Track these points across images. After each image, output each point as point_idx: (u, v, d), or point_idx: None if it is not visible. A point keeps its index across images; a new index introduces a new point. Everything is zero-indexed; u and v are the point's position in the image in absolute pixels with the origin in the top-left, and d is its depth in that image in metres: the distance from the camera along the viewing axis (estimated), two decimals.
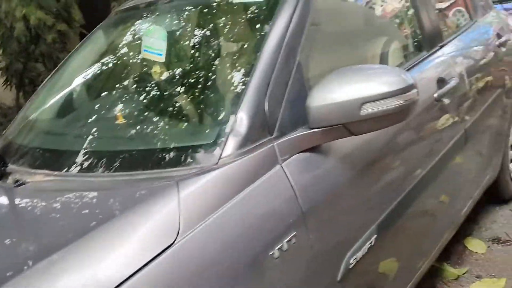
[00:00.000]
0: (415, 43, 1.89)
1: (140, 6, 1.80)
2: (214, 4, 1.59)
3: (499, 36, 2.43)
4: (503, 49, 2.42)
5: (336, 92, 1.15)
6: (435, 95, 1.70)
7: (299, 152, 1.18)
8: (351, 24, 1.84)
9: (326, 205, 1.18)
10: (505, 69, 2.43)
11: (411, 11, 1.89)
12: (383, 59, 1.84)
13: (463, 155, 1.97)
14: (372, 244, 1.29)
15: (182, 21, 1.62)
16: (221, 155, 1.08)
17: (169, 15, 1.68)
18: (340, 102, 1.14)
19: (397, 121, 1.18)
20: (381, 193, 1.40)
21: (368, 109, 1.13)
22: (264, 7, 1.51)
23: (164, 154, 1.14)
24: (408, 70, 1.71)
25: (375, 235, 1.30)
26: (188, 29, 1.58)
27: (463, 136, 1.89)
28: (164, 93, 1.43)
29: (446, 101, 1.76)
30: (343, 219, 1.23)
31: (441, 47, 1.94)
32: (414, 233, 1.68)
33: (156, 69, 1.64)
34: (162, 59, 1.58)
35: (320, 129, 1.17)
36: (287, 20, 1.31)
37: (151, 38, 1.65)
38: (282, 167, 1.13)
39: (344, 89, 1.15)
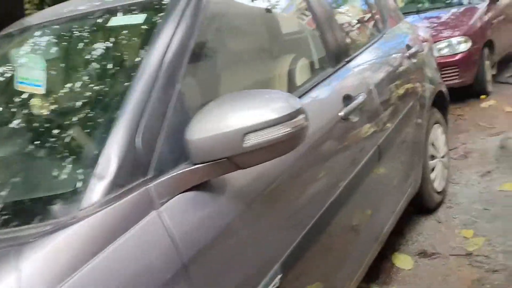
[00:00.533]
0: (321, 60, 1.82)
1: (15, 32, 1.60)
2: (87, 28, 1.43)
3: (408, 47, 2.44)
4: (414, 60, 2.43)
5: (217, 123, 1.02)
6: (341, 113, 1.62)
7: (182, 192, 1.03)
8: (251, 42, 1.74)
9: (216, 250, 1.04)
10: (416, 80, 2.43)
11: (315, 27, 1.82)
12: (291, 78, 1.76)
13: (379, 172, 1.91)
14: (277, 285, 1.16)
15: (53, 48, 1.43)
16: (82, 205, 0.91)
17: (44, 41, 1.49)
18: (221, 133, 1.01)
19: (287, 150, 1.07)
20: (284, 226, 1.28)
21: (252, 140, 1.00)
22: (141, 29, 1.36)
23: (9, 209, 0.95)
24: (313, 88, 1.63)
25: (280, 275, 1.17)
26: (55, 57, 1.40)
27: (376, 152, 1.83)
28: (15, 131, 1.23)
29: (354, 118, 1.69)
30: (238, 263, 1.09)
31: (348, 62, 1.88)
32: (335, 256, 1.59)
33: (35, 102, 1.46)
34: (42, 90, 1.39)
35: (204, 164, 1.03)
36: (165, 43, 1.17)
37: (27, 68, 1.46)
38: (159, 212, 0.97)
39: (225, 119, 1.02)
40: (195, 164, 1.04)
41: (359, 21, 2.30)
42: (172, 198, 1.01)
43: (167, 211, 0.98)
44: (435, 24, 5.12)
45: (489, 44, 4.98)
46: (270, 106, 1.03)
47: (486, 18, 5.00)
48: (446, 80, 4.69)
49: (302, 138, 1.07)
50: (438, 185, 2.72)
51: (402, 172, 2.22)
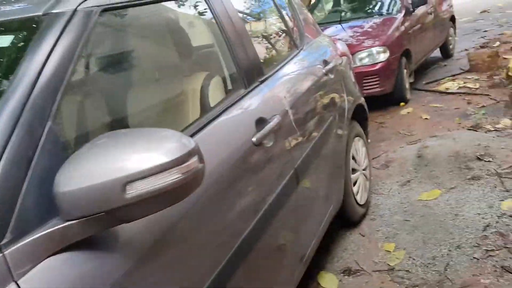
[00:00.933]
0: (233, 79, 1.70)
1: None
2: None
3: (326, 63, 2.40)
4: (331, 76, 2.39)
5: (92, 170, 0.86)
6: (254, 139, 1.52)
7: (52, 255, 0.86)
8: (154, 61, 1.59)
9: None
10: (334, 96, 2.40)
11: (224, 44, 1.69)
12: (203, 100, 1.63)
13: (298, 194, 1.83)
14: None
15: None
16: None
17: None
18: (98, 183, 0.85)
19: (180, 198, 0.93)
20: (191, 270, 1.14)
21: (136, 190, 0.86)
22: (5, 55, 1.16)
23: None
24: (223, 111, 1.51)
25: None
26: None
27: (294, 176, 1.75)
28: None
29: (268, 143, 1.59)
30: None
31: (262, 81, 1.78)
32: (259, 283, 1.50)
33: None
34: None
35: (78, 220, 0.87)
36: (35, 70, 0.99)
37: None
38: (18, 284, 0.80)
39: (102, 165, 0.86)
40: (68, 221, 0.87)
41: (274, 37, 2.22)
42: (37, 264, 0.83)
43: (27, 283, 0.80)
44: (357, 34, 5.25)
45: (406, 54, 5.19)
46: (158, 149, 0.89)
47: (403, 28, 5.19)
48: (368, 89, 4.83)
49: (197, 183, 0.94)
50: (360, 198, 2.72)
51: (324, 190, 2.17)
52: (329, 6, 6.62)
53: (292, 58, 2.15)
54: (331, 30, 5.57)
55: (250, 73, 1.73)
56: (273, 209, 1.60)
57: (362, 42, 4.99)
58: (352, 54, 4.86)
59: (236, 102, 1.59)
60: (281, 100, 1.81)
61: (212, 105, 1.61)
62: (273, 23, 2.29)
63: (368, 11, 5.87)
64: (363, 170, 2.83)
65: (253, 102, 1.66)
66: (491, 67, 5.63)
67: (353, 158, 2.67)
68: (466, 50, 7.17)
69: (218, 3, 1.72)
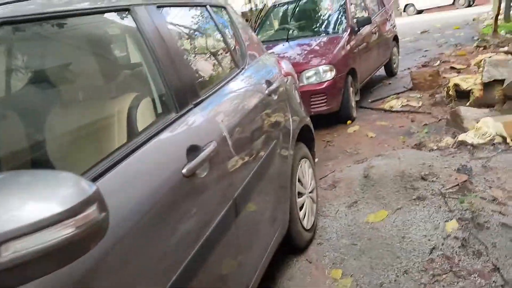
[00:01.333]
0: (164, 102, 1.55)
1: None
2: None
3: (269, 83, 2.30)
4: (275, 97, 2.30)
5: None
6: (184, 170, 1.36)
7: None
8: (73, 81, 1.41)
9: None
10: (278, 118, 2.30)
11: (154, 63, 1.54)
12: (131, 125, 1.46)
13: (238, 225, 1.69)
14: None
15: None
16: None
17: None
18: None
19: (75, 256, 0.76)
20: None
21: (14, 252, 0.68)
22: None
23: None
24: (150, 139, 1.35)
25: None
26: None
27: (232, 206, 1.61)
28: None
29: (201, 173, 1.45)
30: None
31: (197, 104, 1.64)
32: None
33: None
34: None
35: None
36: None
37: None
38: None
39: None
40: None
41: (213, 56, 2.09)
42: None
43: None
44: (304, 52, 5.26)
45: (352, 72, 5.24)
46: (46, 197, 0.72)
47: (348, 47, 5.25)
48: (315, 107, 4.82)
49: (97, 236, 0.78)
50: (307, 222, 2.62)
51: (268, 217, 2.05)
52: (277, 23, 6.63)
53: (232, 79, 2.03)
54: (278, 47, 5.55)
55: (183, 95, 1.59)
56: (211, 242, 1.46)
57: (309, 60, 4.99)
58: (299, 72, 4.86)
59: (165, 127, 1.44)
60: (218, 124, 1.67)
61: (140, 129, 1.45)
62: (213, 42, 2.16)
63: (315, 29, 5.92)
64: (310, 192, 2.74)
65: (185, 128, 1.51)
66: (433, 85, 5.82)
67: (299, 181, 2.57)
68: (409, 68, 7.43)
69: (146, 20, 1.58)
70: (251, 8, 13.12)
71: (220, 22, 2.31)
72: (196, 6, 2.09)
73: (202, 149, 1.49)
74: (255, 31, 6.39)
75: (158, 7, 1.70)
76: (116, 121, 1.51)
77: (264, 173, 2.00)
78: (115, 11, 1.53)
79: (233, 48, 2.26)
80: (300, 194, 2.58)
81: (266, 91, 2.22)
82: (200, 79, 1.81)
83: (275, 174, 2.14)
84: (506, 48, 5.95)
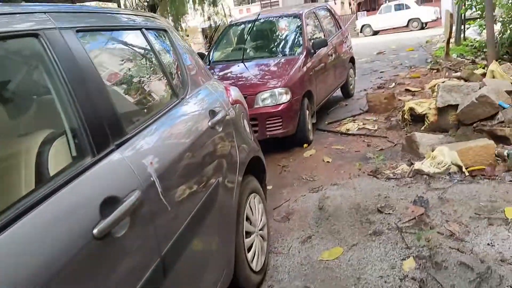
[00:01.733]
0: (77, 144, 1.30)
1: None
2: None
3: (213, 113, 2.09)
4: (219, 128, 2.08)
5: None
6: (95, 230, 1.12)
7: None
8: None
9: None
10: (223, 152, 2.08)
11: (68, 96, 1.30)
12: (41, 169, 1.22)
13: (170, 283, 1.45)
14: None
15: None
16: None
17: None
18: None
19: None
20: None
21: None
22: None
23: None
24: (58, 189, 1.12)
25: None
26: None
27: (159, 268, 1.37)
28: None
29: (118, 231, 1.21)
30: None
31: (120, 145, 1.40)
32: None
33: None
34: None
35: None
36: None
37: None
38: None
39: None
40: None
41: (147, 85, 1.85)
42: None
43: None
44: (260, 74, 5.10)
45: (309, 95, 5.13)
46: None
47: (305, 69, 5.15)
48: (271, 130, 4.66)
49: None
50: (256, 264, 2.40)
51: (208, 269, 1.81)
52: (233, 43, 6.47)
53: (168, 111, 1.80)
54: (233, 68, 5.38)
55: (103, 134, 1.34)
56: None
57: (264, 82, 4.83)
58: (255, 94, 4.69)
59: (77, 175, 1.20)
60: (146, 169, 1.43)
61: (52, 174, 1.21)
62: (147, 69, 1.92)
63: (271, 50, 5.79)
64: (260, 230, 2.52)
65: (102, 175, 1.27)
66: (388, 108, 5.81)
67: (248, 219, 2.35)
68: (365, 90, 7.45)
69: (61, 46, 1.34)
70: (211, 25, 12.99)
71: (160, 46, 2.08)
72: (129, 29, 1.86)
73: (121, 201, 1.25)
74: (210, 50, 6.20)
75: (78, 31, 1.46)
76: (24, 163, 1.26)
77: (204, 219, 1.77)
78: (20, 36, 1.29)
79: (172, 75, 2.03)
80: (249, 234, 2.36)
81: (209, 123, 2.01)
82: (127, 114, 1.57)
83: (217, 217, 1.91)
84: (459, 74, 6.05)
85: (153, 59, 1.92)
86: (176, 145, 1.69)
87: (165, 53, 2.11)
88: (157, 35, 2.09)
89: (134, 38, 1.86)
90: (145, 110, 1.75)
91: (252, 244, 2.38)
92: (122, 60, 1.75)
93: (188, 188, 1.67)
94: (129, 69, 1.77)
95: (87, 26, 1.52)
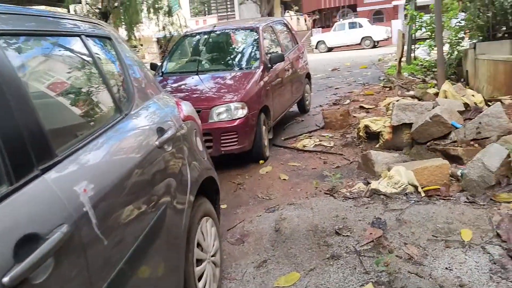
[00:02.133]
0: None
1: None
2: None
3: (161, 131, 1.90)
4: (168, 148, 1.89)
5: None
6: (5, 279, 0.91)
7: None
8: None
9: None
10: (171, 173, 1.89)
11: None
12: None
13: None
14: None
15: None
16: None
17: None
18: None
19: None
20: None
21: None
22: None
23: None
24: None
25: None
26: None
27: None
28: None
29: (38, 276, 1.00)
30: None
31: (46, 170, 1.19)
32: None
33: None
34: None
35: None
36: None
37: None
38: None
39: None
40: None
41: (84, 99, 1.63)
42: None
43: None
44: (215, 87, 4.94)
45: (265, 110, 5.03)
46: None
47: (261, 83, 5.04)
48: (226, 146, 4.49)
49: None
50: None
51: None
52: (187, 54, 6.28)
53: (109, 128, 1.59)
54: (187, 80, 5.19)
55: (24, 157, 1.13)
56: None
57: (220, 96, 4.68)
58: (209, 108, 4.52)
59: None
60: (78, 197, 1.23)
61: None
62: (84, 82, 1.70)
63: (227, 63, 5.65)
64: (212, 256, 2.33)
65: (20, 208, 1.05)
66: (344, 125, 5.82)
67: (199, 245, 2.16)
68: (320, 106, 7.47)
69: None
70: (165, 35, 12.70)
71: (102, 56, 1.88)
72: (66, 35, 1.64)
73: (43, 238, 1.04)
74: (164, 61, 5.98)
75: None
76: None
77: (149, 249, 1.57)
78: None
79: (116, 88, 1.83)
80: (200, 261, 2.17)
81: (157, 142, 1.81)
82: (57, 132, 1.35)
83: (164, 246, 1.71)
84: (412, 92, 6.17)
85: (93, 69, 1.71)
86: (116, 168, 1.49)
87: (108, 63, 1.90)
88: (99, 43, 1.88)
89: (71, 45, 1.64)
90: (81, 127, 1.53)
91: (203, 273, 2.19)
92: (54, 70, 1.53)
93: (129, 216, 1.46)
94: (63, 80, 1.56)
95: (10, 30, 1.30)
